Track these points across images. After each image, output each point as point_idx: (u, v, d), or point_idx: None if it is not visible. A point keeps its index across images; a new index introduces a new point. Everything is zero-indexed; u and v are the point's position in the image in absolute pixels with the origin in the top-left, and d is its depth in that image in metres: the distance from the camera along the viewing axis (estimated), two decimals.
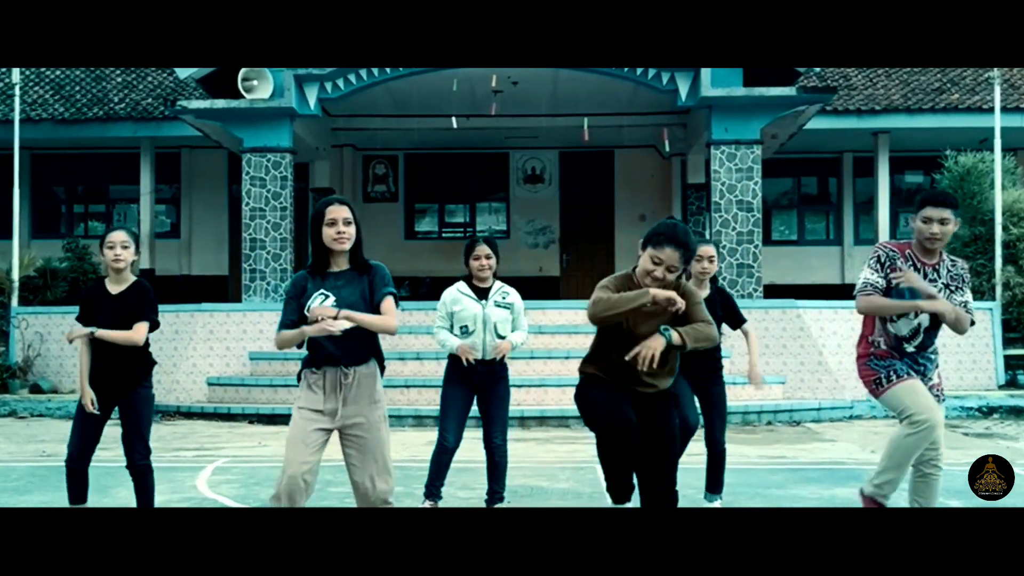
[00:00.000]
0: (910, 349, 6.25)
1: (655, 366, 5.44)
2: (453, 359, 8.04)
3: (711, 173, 19.28)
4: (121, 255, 7.21)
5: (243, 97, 19.05)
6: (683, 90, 18.88)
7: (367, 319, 5.73)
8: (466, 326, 7.97)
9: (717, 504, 8.28)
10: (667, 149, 22.91)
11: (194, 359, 17.63)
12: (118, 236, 7.27)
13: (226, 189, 26.36)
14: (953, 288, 6.29)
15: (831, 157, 26.33)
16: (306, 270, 6.00)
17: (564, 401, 14.97)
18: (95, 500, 7.74)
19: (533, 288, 25.23)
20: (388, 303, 5.84)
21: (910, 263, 6.23)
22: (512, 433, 14.09)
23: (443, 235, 27.05)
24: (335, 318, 5.63)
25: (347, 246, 5.88)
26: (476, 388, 7.99)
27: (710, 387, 8.08)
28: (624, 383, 5.68)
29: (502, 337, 7.99)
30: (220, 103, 19.26)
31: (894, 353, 6.30)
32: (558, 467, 10.94)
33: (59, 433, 14.08)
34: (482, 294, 8.00)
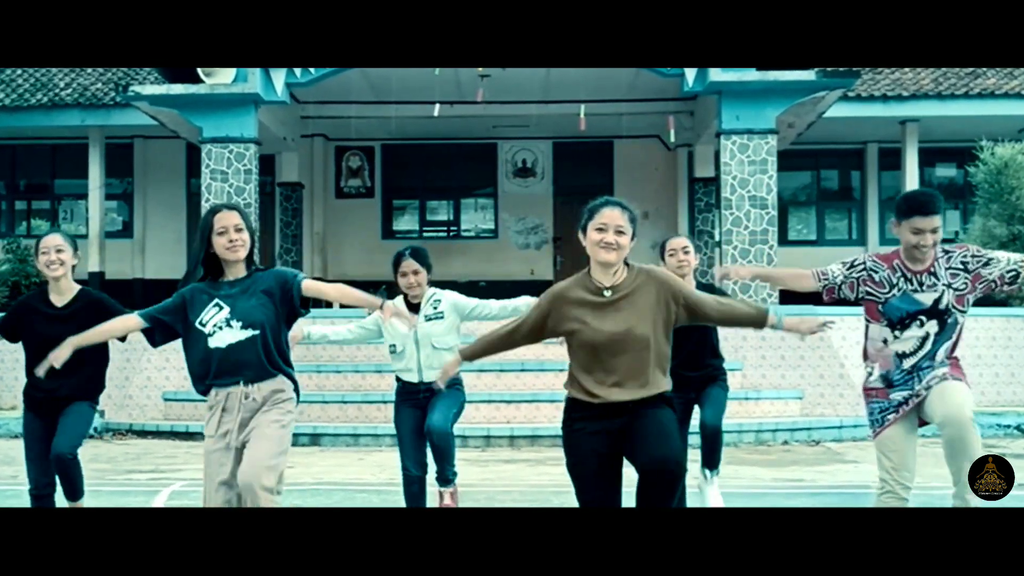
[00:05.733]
0: (909, 364, 6.26)
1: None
2: (397, 380, 8.17)
3: (721, 166, 19.32)
4: (55, 260, 7.17)
5: (202, 81, 19.05)
6: (690, 74, 18.93)
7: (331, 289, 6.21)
8: (394, 346, 8.02)
9: (715, 482, 8.32)
10: (672, 139, 22.94)
11: (148, 372, 17.60)
12: (51, 240, 7.24)
13: (184, 183, 26.34)
14: (959, 285, 6.28)
15: (854, 148, 26.40)
16: (195, 284, 6.08)
17: (558, 418, 14.82)
18: None
19: (524, 293, 25.19)
20: (310, 282, 6.11)
21: (899, 274, 6.24)
22: (502, 453, 14.18)
23: (424, 234, 27.04)
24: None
25: (242, 254, 6.01)
26: (423, 407, 8.04)
27: (710, 388, 8.14)
28: (607, 405, 5.60)
29: (444, 350, 8.02)
30: (177, 88, 19.26)
31: (880, 388, 6.32)
32: (552, 491, 10.93)
33: None
34: (414, 310, 8.03)
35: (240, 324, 5.92)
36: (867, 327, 6.36)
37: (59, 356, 6.13)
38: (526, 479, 11.98)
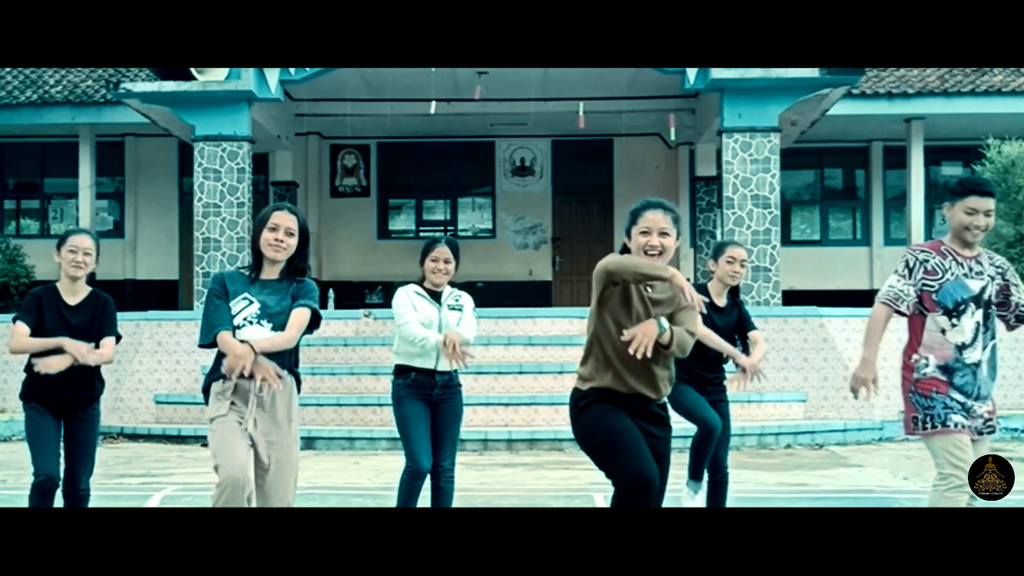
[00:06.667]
0: (972, 359, 6.26)
1: (648, 354, 5.45)
2: (401, 373, 8.08)
3: (723, 165, 19.32)
4: (81, 261, 7.32)
5: (195, 79, 19.05)
6: (691, 71, 18.94)
7: (267, 344, 6.05)
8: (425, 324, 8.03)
9: (702, 492, 8.46)
10: (673, 137, 22.92)
11: (140, 374, 17.59)
12: (84, 241, 7.39)
13: (176, 182, 26.34)
14: (1002, 282, 6.31)
15: (859, 146, 26.40)
16: (233, 271, 6.33)
17: (557, 421, 14.97)
18: None
19: (522, 294, 25.27)
20: (299, 314, 6.15)
21: (949, 259, 6.26)
22: (500, 457, 14.18)
23: (421, 234, 26.97)
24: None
25: (282, 257, 6.18)
26: (432, 403, 8.01)
27: (716, 403, 8.25)
28: (629, 398, 5.67)
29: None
30: (169, 86, 19.25)
31: (941, 381, 6.30)
32: (551, 495, 10.95)
33: None
34: (435, 298, 8.05)
35: (271, 326, 6.12)
36: (924, 320, 6.31)
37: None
38: (524, 483, 11.98)
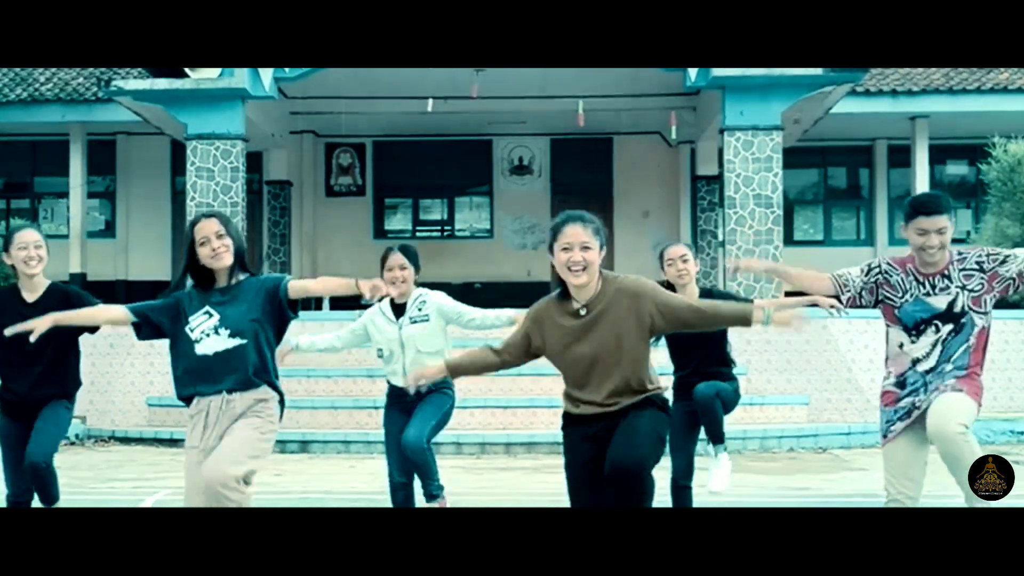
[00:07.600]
0: (924, 367, 6.31)
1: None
2: (388, 383, 8.19)
3: (725, 163, 19.34)
4: (34, 256, 7.26)
5: (188, 76, 19.06)
6: (692, 69, 18.94)
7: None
8: (381, 350, 8.08)
9: (722, 460, 8.32)
10: (674, 136, 22.94)
11: (132, 377, 17.59)
12: (30, 236, 7.31)
13: (169, 181, 26.34)
14: (974, 286, 6.32)
15: (862, 145, 26.42)
16: (190, 289, 6.25)
17: (555, 424, 14.86)
18: None
19: (521, 295, 25.21)
20: (295, 282, 6.17)
21: (912, 278, 6.31)
22: (498, 461, 14.18)
23: (417, 234, 27.03)
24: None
25: (227, 260, 6.11)
26: (410, 408, 8.04)
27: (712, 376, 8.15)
28: (583, 418, 5.79)
29: (429, 353, 7.95)
30: (161, 83, 19.26)
31: (893, 392, 6.42)
32: (549, 499, 10.93)
33: None
34: (400, 311, 8.01)
35: (228, 332, 6.06)
36: (887, 331, 6.42)
37: (39, 326, 6.19)
38: (523, 487, 11.99)
